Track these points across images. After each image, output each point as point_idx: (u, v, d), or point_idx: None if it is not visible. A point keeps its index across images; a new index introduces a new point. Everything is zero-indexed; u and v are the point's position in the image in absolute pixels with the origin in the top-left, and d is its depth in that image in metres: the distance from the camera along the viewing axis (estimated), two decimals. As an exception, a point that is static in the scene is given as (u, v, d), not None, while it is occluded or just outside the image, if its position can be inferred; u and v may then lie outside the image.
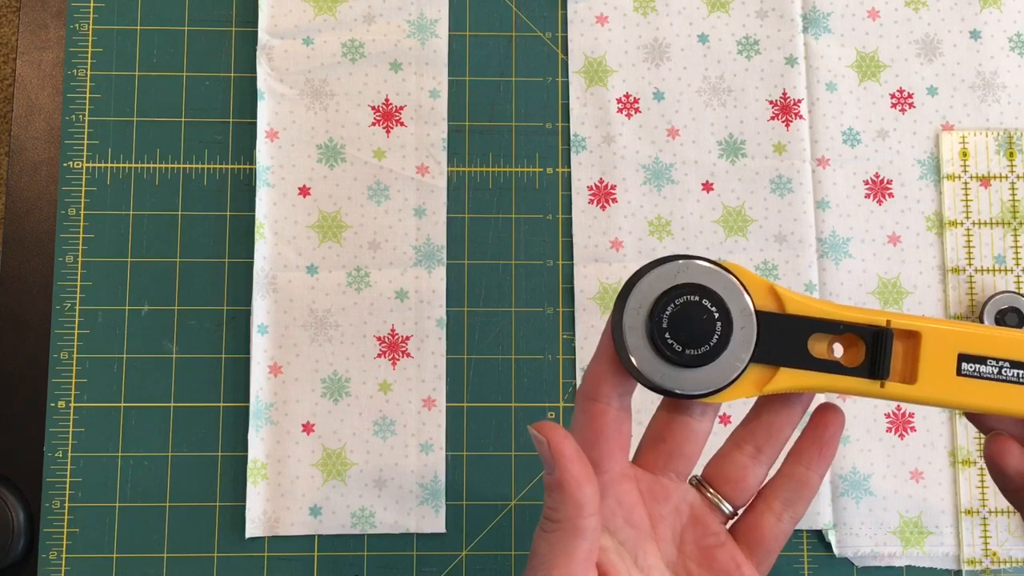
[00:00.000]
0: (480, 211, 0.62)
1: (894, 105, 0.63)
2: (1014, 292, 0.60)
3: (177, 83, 0.62)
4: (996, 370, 0.38)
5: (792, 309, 0.38)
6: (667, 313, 0.38)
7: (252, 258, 0.60)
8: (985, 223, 0.61)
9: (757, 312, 0.38)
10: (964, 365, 0.38)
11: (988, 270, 0.61)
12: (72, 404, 0.59)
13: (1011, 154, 0.62)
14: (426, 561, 0.59)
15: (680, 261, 0.39)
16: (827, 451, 0.42)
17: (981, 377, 0.38)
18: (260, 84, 0.61)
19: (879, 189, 0.62)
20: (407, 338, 0.60)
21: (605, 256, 0.61)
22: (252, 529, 0.58)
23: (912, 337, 0.39)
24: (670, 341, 0.38)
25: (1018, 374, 0.38)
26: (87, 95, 0.62)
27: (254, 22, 0.62)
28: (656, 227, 0.61)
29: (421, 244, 0.61)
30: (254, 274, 0.60)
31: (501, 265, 0.61)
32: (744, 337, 0.38)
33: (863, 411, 0.60)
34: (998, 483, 0.41)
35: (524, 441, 0.60)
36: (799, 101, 0.62)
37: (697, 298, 0.38)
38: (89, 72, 0.62)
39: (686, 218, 0.61)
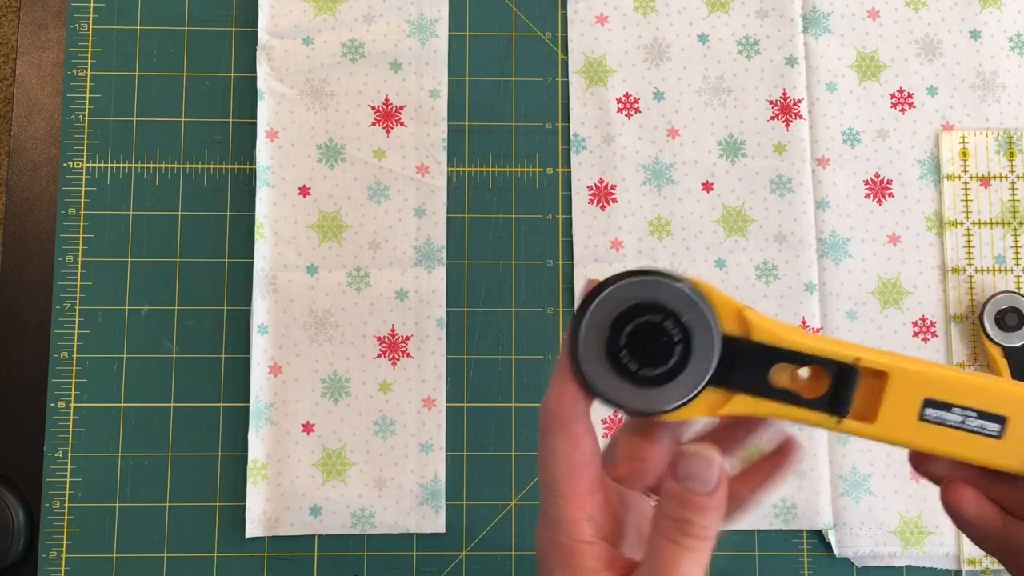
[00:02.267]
0: (480, 211, 0.62)
1: (894, 105, 0.63)
2: (1014, 292, 0.60)
3: (177, 83, 0.62)
4: (961, 419, 0.37)
5: (758, 336, 0.37)
6: (627, 330, 0.37)
7: (252, 258, 0.60)
8: (985, 223, 0.61)
9: (722, 337, 0.37)
10: (928, 410, 0.37)
11: (988, 270, 0.61)
12: (72, 404, 0.59)
13: (1011, 154, 0.62)
14: (426, 561, 0.59)
15: (643, 276, 0.37)
16: (776, 483, 0.41)
17: (944, 424, 0.37)
18: (260, 84, 0.61)
19: (879, 189, 0.62)
20: (407, 338, 0.60)
21: (605, 256, 0.61)
22: (252, 529, 0.58)
23: (879, 376, 0.37)
24: (626, 360, 0.37)
25: (983, 425, 0.37)
26: (87, 95, 0.62)
27: (254, 22, 0.62)
28: (656, 227, 0.61)
29: (421, 244, 0.61)
30: (254, 274, 0.60)
31: (501, 265, 0.61)
32: (703, 360, 0.37)
33: (863, 411, 0.60)
34: (965, 532, 0.40)
35: (524, 441, 0.60)
36: (799, 101, 0.62)
37: (659, 318, 0.37)
38: (89, 72, 0.62)
39: (686, 218, 0.61)
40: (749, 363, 0.37)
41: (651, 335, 0.37)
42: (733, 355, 0.37)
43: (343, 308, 0.60)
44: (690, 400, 0.37)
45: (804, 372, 0.38)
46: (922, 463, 0.40)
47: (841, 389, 0.37)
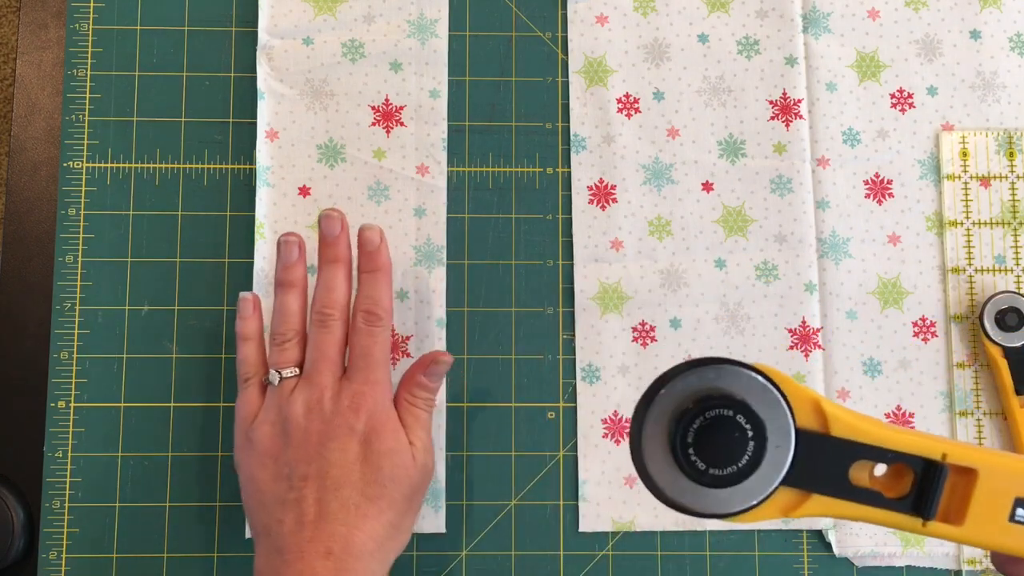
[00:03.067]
0: (480, 211, 0.62)
1: (894, 105, 0.63)
2: (1014, 292, 0.60)
3: (177, 83, 0.62)
4: None
5: (838, 431, 0.35)
6: (695, 426, 0.34)
7: (252, 258, 0.60)
8: (985, 223, 0.61)
9: (797, 431, 0.34)
10: (1020, 511, 0.34)
11: (988, 270, 0.61)
12: (72, 404, 0.59)
13: (1011, 154, 0.62)
14: (426, 561, 0.59)
15: (716, 366, 0.34)
16: None
17: None
18: (260, 84, 0.61)
19: (879, 189, 0.62)
20: (407, 338, 0.60)
21: (605, 256, 0.61)
22: (252, 529, 0.58)
23: (967, 473, 0.35)
24: (694, 458, 0.34)
25: None
26: (87, 95, 0.62)
27: (254, 22, 0.62)
28: (656, 227, 0.61)
29: (421, 244, 0.61)
30: (254, 274, 0.60)
31: (501, 265, 0.61)
32: (777, 459, 0.34)
33: (863, 411, 0.60)
34: None
35: (524, 441, 0.60)
36: (799, 101, 0.62)
37: (731, 412, 0.34)
38: (89, 72, 0.62)
39: (686, 218, 0.61)
40: (827, 460, 0.35)
41: (721, 430, 0.34)
42: (809, 451, 0.34)
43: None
44: (762, 502, 0.34)
45: (882, 467, 0.36)
46: (1007, 564, 0.38)
47: (927, 488, 0.35)
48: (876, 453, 0.35)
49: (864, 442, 0.35)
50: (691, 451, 0.34)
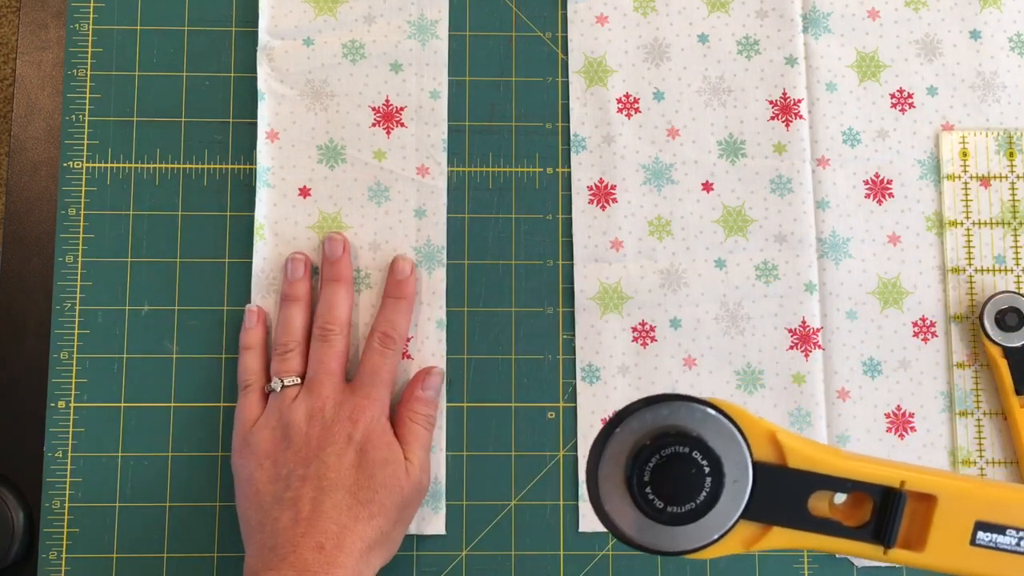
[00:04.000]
0: (480, 211, 0.62)
1: (894, 105, 0.63)
2: (1014, 292, 0.60)
3: (177, 83, 0.62)
4: (1015, 541, 0.34)
5: (795, 463, 0.34)
6: (650, 465, 0.34)
7: (252, 258, 0.60)
8: (985, 223, 0.61)
9: (754, 464, 0.34)
10: (980, 534, 0.34)
11: (988, 270, 0.61)
12: (72, 404, 0.59)
13: (1011, 154, 0.62)
14: (426, 561, 0.59)
15: (670, 403, 0.34)
16: None
17: (997, 548, 0.34)
18: (260, 84, 0.61)
19: (879, 189, 0.62)
20: (407, 339, 0.60)
21: (605, 256, 0.61)
22: (252, 529, 0.58)
23: (926, 499, 0.35)
24: (651, 496, 0.34)
25: None
26: (87, 95, 0.62)
27: (254, 22, 0.62)
28: (656, 227, 0.61)
29: (421, 245, 0.61)
30: (254, 275, 0.60)
31: (501, 265, 0.61)
32: (735, 493, 0.34)
33: (863, 411, 0.60)
34: None
35: (524, 441, 0.60)
36: (799, 101, 0.62)
37: (686, 449, 0.34)
38: (89, 72, 0.62)
39: (686, 218, 0.61)
40: (785, 492, 0.34)
41: (677, 467, 0.34)
42: (767, 484, 0.34)
43: (343, 308, 0.60)
44: (722, 537, 0.34)
45: (841, 496, 0.36)
46: None
47: (886, 515, 0.35)
48: (834, 483, 0.35)
49: (821, 472, 0.34)
50: (648, 489, 0.34)
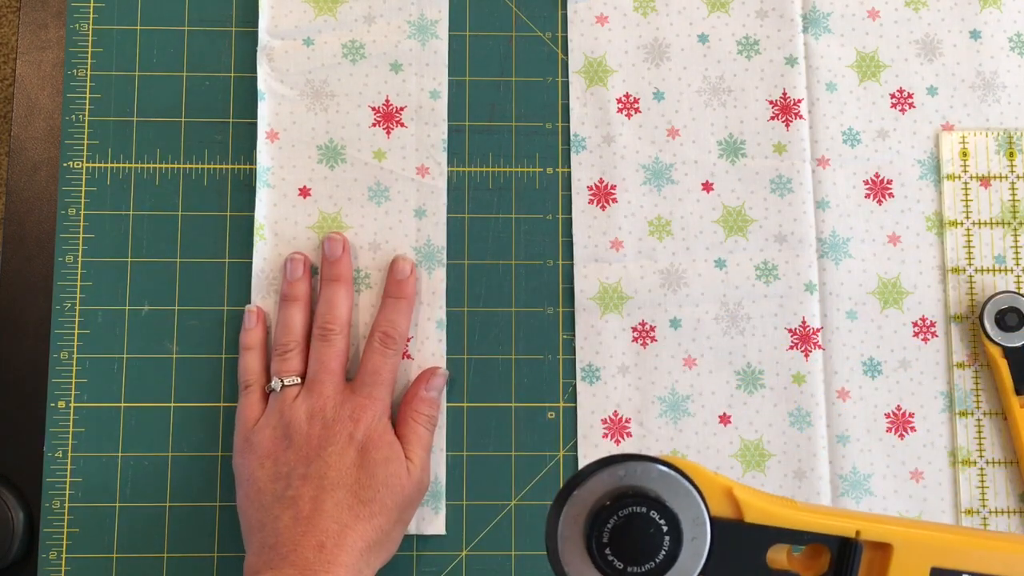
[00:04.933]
0: (480, 211, 0.62)
1: (894, 105, 0.63)
2: (1014, 292, 0.60)
3: (177, 83, 0.62)
4: None
5: (751, 517, 0.35)
6: (608, 526, 0.34)
7: (252, 258, 0.60)
8: (985, 223, 0.61)
9: (711, 520, 0.34)
10: None
11: (988, 270, 0.61)
12: (72, 404, 0.59)
13: (1011, 154, 0.62)
14: (426, 561, 0.59)
15: (625, 463, 0.34)
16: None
17: None
18: (260, 84, 0.61)
19: (879, 189, 0.62)
20: (408, 339, 0.60)
21: (605, 256, 0.61)
22: (252, 529, 0.58)
23: (882, 548, 0.35)
24: (611, 557, 0.34)
25: None
26: (87, 95, 0.62)
27: (254, 22, 0.62)
28: (656, 227, 0.61)
29: (421, 245, 0.61)
30: (254, 275, 0.60)
31: (501, 265, 0.61)
32: (694, 550, 0.34)
33: (863, 411, 0.60)
34: None
35: (524, 441, 0.60)
36: (799, 101, 0.62)
37: (644, 509, 0.34)
38: (89, 72, 0.62)
39: (686, 218, 0.61)
40: (744, 547, 0.35)
41: (635, 530, 0.34)
42: (725, 539, 0.35)
43: (343, 308, 0.60)
44: None
45: (799, 548, 0.36)
46: None
47: (844, 565, 0.35)
48: (791, 536, 0.35)
49: (778, 526, 0.35)
50: (607, 551, 0.34)
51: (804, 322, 0.60)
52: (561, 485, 0.58)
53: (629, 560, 0.34)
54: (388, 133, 0.62)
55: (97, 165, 0.62)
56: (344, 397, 0.56)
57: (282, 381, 0.57)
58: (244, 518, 0.55)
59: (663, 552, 0.34)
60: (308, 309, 0.59)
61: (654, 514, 0.34)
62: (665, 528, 0.34)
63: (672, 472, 0.34)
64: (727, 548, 0.35)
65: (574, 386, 0.60)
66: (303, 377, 0.57)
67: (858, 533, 0.35)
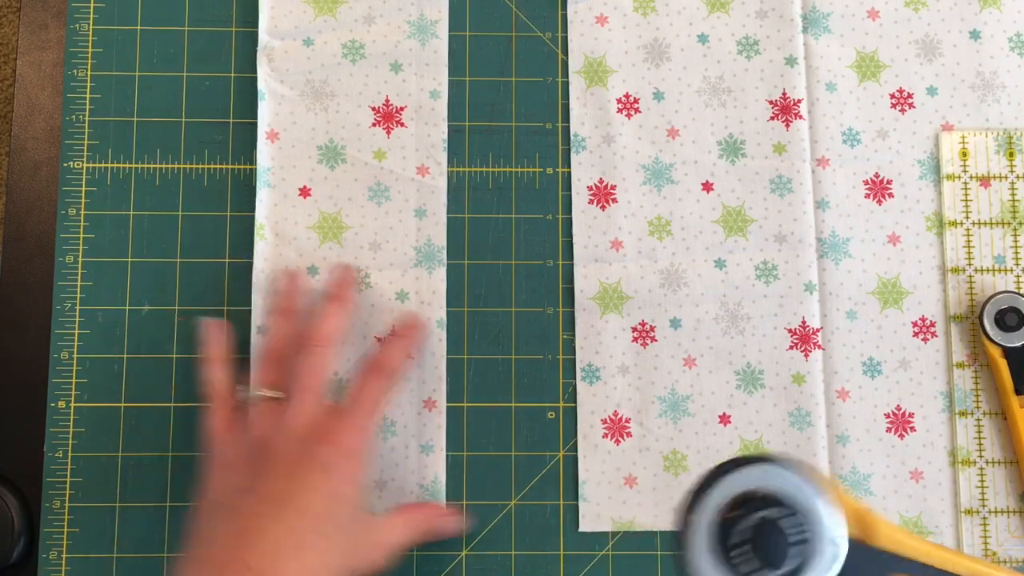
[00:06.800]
0: (480, 211, 0.62)
1: (894, 105, 0.63)
2: (1014, 292, 0.60)
3: (177, 83, 0.62)
4: None
5: (882, 542, 0.35)
6: (740, 527, 0.34)
7: (252, 258, 0.60)
8: (985, 223, 0.61)
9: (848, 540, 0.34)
10: None
11: (988, 270, 0.61)
12: (72, 404, 0.59)
13: (1011, 154, 0.62)
14: (426, 561, 0.59)
15: (767, 465, 0.34)
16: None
17: None
18: (260, 85, 0.61)
19: (879, 189, 0.62)
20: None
21: (605, 256, 0.61)
22: (252, 529, 0.58)
23: None
24: (737, 561, 0.34)
25: None
26: (87, 95, 0.62)
27: (254, 22, 0.62)
28: (656, 227, 0.61)
29: (421, 245, 0.61)
30: (254, 275, 0.60)
31: (501, 265, 0.61)
32: (823, 566, 0.34)
33: (863, 411, 0.60)
34: None
35: (524, 441, 0.60)
36: (799, 101, 0.62)
37: (779, 514, 0.34)
38: (89, 72, 0.62)
39: (686, 218, 0.61)
40: (867, 571, 0.35)
41: (769, 535, 0.34)
42: (852, 562, 0.34)
43: (343, 308, 0.60)
44: None
45: None
46: None
47: None
48: (917, 568, 0.35)
49: (907, 556, 0.35)
50: (735, 552, 0.34)
51: (804, 322, 0.60)
52: (562, 483, 0.58)
53: (757, 564, 0.34)
54: (388, 133, 0.62)
55: (97, 165, 0.62)
56: (327, 418, 0.53)
57: (258, 392, 0.55)
58: (193, 525, 0.52)
59: (793, 562, 0.34)
60: (296, 323, 0.57)
61: (787, 521, 0.34)
62: (796, 538, 0.34)
63: (811, 483, 0.34)
64: (852, 568, 0.34)
65: (574, 386, 0.60)
66: (280, 390, 0.55)
67: None
